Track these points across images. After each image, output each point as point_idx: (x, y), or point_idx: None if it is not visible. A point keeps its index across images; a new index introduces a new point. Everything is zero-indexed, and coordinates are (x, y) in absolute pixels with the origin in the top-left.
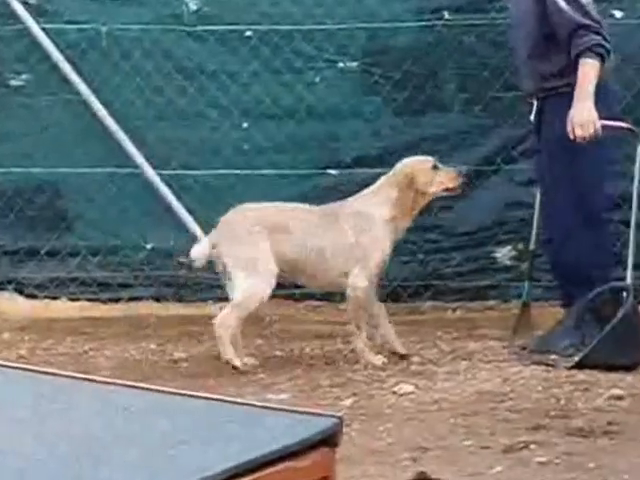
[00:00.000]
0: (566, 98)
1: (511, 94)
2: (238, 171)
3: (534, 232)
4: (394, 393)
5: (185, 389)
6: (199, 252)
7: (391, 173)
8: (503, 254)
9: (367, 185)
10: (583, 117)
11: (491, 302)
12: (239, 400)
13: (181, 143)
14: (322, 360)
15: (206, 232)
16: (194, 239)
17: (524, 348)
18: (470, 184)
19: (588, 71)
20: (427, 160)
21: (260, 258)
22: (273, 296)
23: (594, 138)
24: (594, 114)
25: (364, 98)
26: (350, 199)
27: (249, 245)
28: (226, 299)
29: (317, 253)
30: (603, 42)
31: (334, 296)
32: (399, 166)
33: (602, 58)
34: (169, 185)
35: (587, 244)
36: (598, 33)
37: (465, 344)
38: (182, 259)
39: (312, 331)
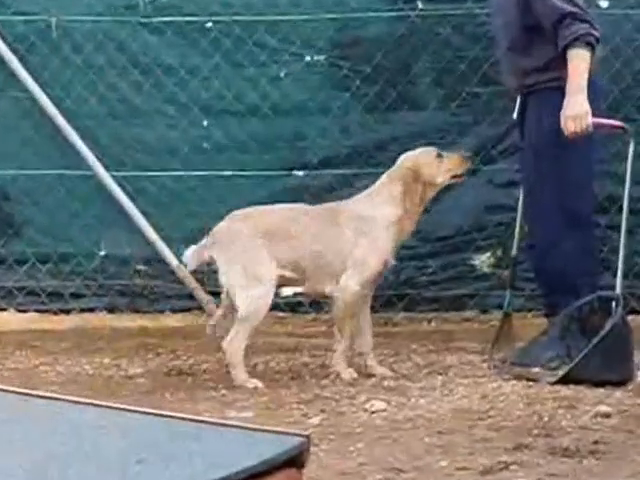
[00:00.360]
0: (551, 93)
1: (490, 89)
2: (197, 172)
3: (516, 237)
4: (365, 410)
5: (142, 406)
6: (195, 256)
7: (393, 168)
8: (482, 261)
9: (335, 187)
10: (575, 111)
11: (469, 312)
12: (199, 418)
13: (136, 142)
14: (288, 375)
15: (163, 237)
16: (150, 245)
17: (504, 361)
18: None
19: (579, 63)
20: (430, 150)
21: (261, 267)
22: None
23: (586, 133)
24: (587, 107)
25: (332, 93)
26: (351, 199)
27: (248, 255)
28: (184, 309)
29: (316, 258)
30: (592, 30)
31: (300, 307)
32: (401, 160)
33: (592, 48)
34: (123, 187)
35: (573, 249)
36: (585, 21)
37: (441, 358)
38: (138, 267)
39: (277, 344)
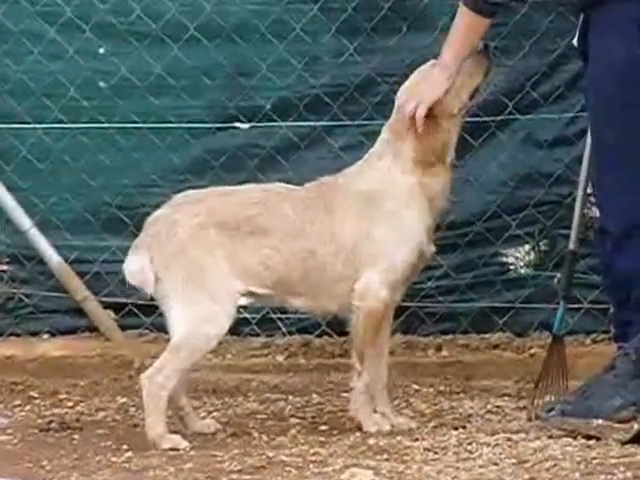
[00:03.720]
0: (630, 5)
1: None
2: (89, 125)
3: (575, 219)
4: None
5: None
6: (139, 274)
7: (392, 116)
8: (518, 258)
9: (296, 146)
10: None
11: (498, 336)
12: None
13: None
14: (225, 428)
15: (39, 223)
16: (18, 234)
17: (551, 409)
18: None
19: None
20: (426, 68)
21: (214, 277)
22: (145, 329)
23: None
24: None
25: (292, 7)
26: (345, 171)
27: (196, 258)
28: (69, 331)
29: (307, 262)
30: None
31: (243, 325)
32: (397, 100)
33: None
34: None
35: None
36: None
37: (456, 403)
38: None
39: (210, 382)
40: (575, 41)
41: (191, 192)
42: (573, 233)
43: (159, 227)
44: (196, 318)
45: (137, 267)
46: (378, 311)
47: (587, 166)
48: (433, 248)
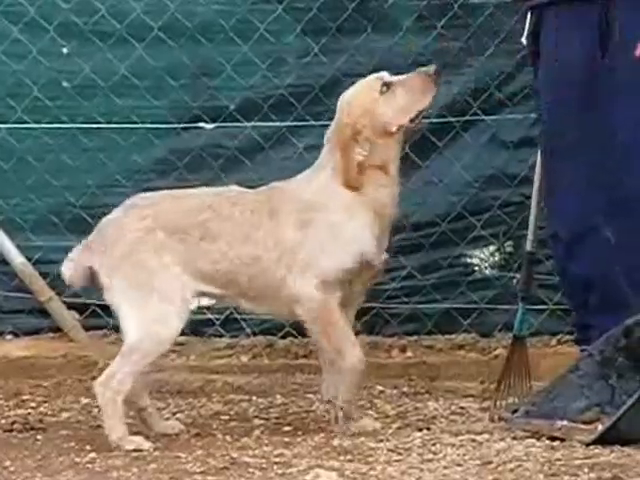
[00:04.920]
0: (591, 8)
1: None
2: (53, 125)
3: (532, 223)
4: None
5: None
6: (77, 267)
7: (332, 125)
8: (482, 259)
9: (261, 147)
10: None
11: (462, 337)
12: None
13: None
14: (188, 429)
15: (2, 222)
16: None
17: (516, 410)
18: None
19: None
20: (372, 81)
21: (166, 278)
22: (109, 329)
23: None
24: None
25: (257, 7)
26: (296, 177)
27: (147, 262)
28: (33, 331)
29: (251, 266)
30: None
31: (207, 326)
32: (337, 109)
33: None
34: None
35: (618, 241)
36: None
37: (421, 404)
38: None
39: (174, 383)
40: (524, 39)
41: (146, 194)
42: (530, 234)
43: (108, 230)
44: (146, 320)
45: (68, 267)
46: (320, 311)
47: (539, 168)
48: (385, 256)
